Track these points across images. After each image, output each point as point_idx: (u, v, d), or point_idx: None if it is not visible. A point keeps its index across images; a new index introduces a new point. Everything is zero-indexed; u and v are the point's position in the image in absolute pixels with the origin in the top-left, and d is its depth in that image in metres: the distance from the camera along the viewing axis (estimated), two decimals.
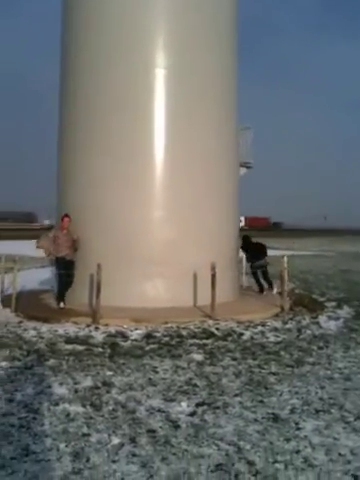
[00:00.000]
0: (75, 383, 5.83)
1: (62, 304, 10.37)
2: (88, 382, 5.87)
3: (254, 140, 14.47)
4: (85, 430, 4.57)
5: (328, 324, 9.60)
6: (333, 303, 11.98)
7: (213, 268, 9.74)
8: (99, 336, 8.17)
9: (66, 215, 10.82)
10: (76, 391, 5.56)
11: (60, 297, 10.48)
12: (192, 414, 5.00)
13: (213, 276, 9.74)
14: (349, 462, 4.01)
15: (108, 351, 7.30)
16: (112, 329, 8.60)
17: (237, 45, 12.51)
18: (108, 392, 5.57)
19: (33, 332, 8.40)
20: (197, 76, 11.10)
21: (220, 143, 11.47)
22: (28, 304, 10.65)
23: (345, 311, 11.00)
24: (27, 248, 26.88)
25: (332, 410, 5.16)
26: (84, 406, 5.13)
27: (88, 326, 8.82)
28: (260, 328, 9.05)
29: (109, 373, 6.25)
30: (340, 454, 4.15)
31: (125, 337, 8.15)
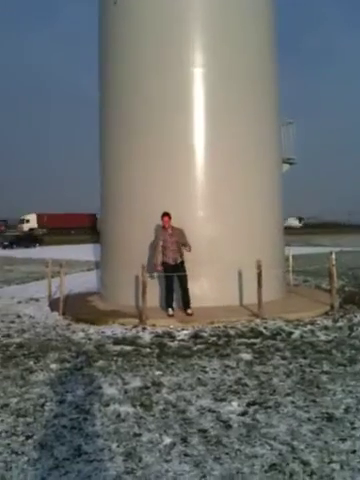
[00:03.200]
0: (124, 383, 5.85)
1: (170, 310, 9.76)
2: (137, 382, 5.88)
3: (297, 135, 14.27)
4: (136, 430, 4.56)
5: None
6: None
7: (259, 266, 9.61)
8: (146, 337, 8.19)
9: (165, 214, 9.93)
10: (126, 391, 5.58)
11: (166, 303, 9.91)
12: (243, 414, 4.92)
13: (259, 274, 9.61)
14: None
15: (156, 351, 7.30)
16: (159, 330, 8.61)
17: (276, 39, 12.35)
18: (158, 392, 5.55)
19: (81, 334, 8.50)
20: (236, 74, 11.02)
21: (262, 140, 11.34)
22: (75, 307, 10.81)
23: None
24: (71, 252, 27.26)
25: None
26: (134, 406, 5.13)
27: (135, 327, 8.87)
28: (309, 327, 8.86)
29: (158, 373, 6.24)
30: None
31: (172, 337, 8.13)
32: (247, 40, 11.28)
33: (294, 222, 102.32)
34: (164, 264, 9.86)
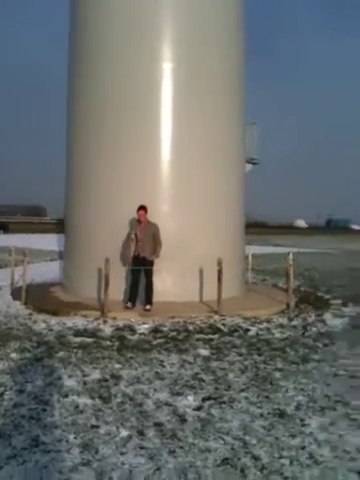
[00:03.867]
0: (84, 375, 5.92)
1: (129, 304, 9.85)
2: (97, 374, 5.96)
3: (260, 136, 14.53)
4: (94, 422, 4.65)
5: (334, 322, 9.63)
6: (339, 301, 12.00)
7: (219, 263, 9.79)
8: (107, 329, 8.26)
9: (140, 207, 9.93)
10: (85, 383, 5.65)
11: (129, 297, 9.97)
12: (199, 408, 5.07)
13: (219, 271, 9.79)
14: (354, 459, 4.06)
15: (116, 344, 7.39)
16: (120, 323, 8.69)
17: (245, 38, 12.51)
18: (116, 385, 5.65)
19: (43, 325, 8.50)
20: (204, 71, 11.13)
21: (227, 137, 11.52)
22: (38, 297, 10.76)
23: (351, 309, 11.02)
24: (37, 241, 27.01)
25: (337, 407, 5.21)
26: (93, 398, 5.22)
27: (96, 319, 8.92)
28: (266, 324, 9.11)
29: (117, 366, 6.34)
30: (345, 451, 4.20)
31: (133, 331, 8.24)
32: (217, 38, 11.39)
33: (301, 223, 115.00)
34: (133, 257, 9.96)
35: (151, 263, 9.89)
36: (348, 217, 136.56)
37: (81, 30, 11.75)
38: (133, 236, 9.97)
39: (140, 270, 9.90)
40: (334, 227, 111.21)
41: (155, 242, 9.89)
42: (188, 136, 10.97)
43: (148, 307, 9.73)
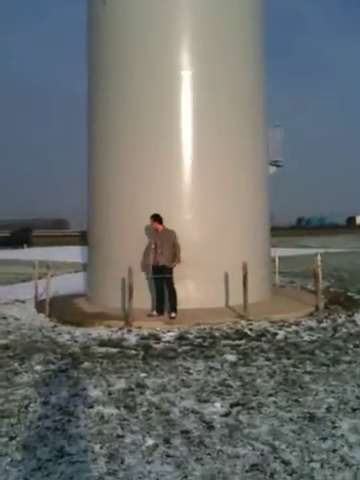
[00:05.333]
0: (109, 385, 5.86)
1: (155, 313, 9.92)
2: (122, 384, 5.90)
3: (284, 138, 14.41)
4: (119, 432, 4.58)
5: None
6: None
7: (245, 268, 9.67)
8: (132, 339, 8.21)
9: (151, 216, 9.99)
10: (110, 393, 5.59)
11: (155, 305, 10.06)
12: (226, 415, 4.96)
13: (245, 276, 9.67)
14: None
15: (141, 353, 7.32)
16: (145, 332, 8.63)
17: (264, 43, 12.42)
18: (142, 394, 5.58)
19: (67, 336, 8.49)
20: (223, 76, 11.06)
21: (249, 142, 11.42)
22: (62, 309, 10.78)
23: None
24: (60, 253, 27.23)
25: None
26: (118, 408, 5.15)
27: (121, 329, 8.88)
28: (294, 327, 8.94)
29: (142, 375, 6.26)
30: None
31: (158, 339, 8.16)
32: (235, 43, 11.32)
33: None
34: (152, 267, 9.98)
35: (170, 271, 9.81)
36: (324, 215, 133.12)
37: (98, 43, 11.81)
38: (153, 246, 9.95)
39: (162, 278, 9.85)
40: (308, 227, 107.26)
41: (174, 249, 9.84)
42: (209, 142, 10.91)
43: (173, 315, 9.66)
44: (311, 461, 3.94)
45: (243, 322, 9.25)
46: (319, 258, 10.70)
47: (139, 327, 8.93)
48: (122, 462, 4.00)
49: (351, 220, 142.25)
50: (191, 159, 10.81)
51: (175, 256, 9.84)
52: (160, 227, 9.99)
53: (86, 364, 6.75)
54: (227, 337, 8.28)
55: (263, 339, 8.16)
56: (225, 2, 11.29)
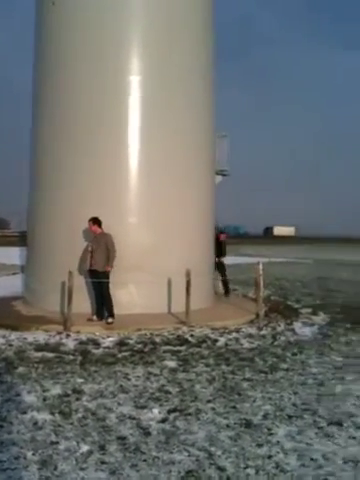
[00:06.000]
0: (44, 391, 5.69)
1: (95, 317, 9.71)
2: (57, 390, 5.74)
3: (231, 148, 14.56)
4: (53, 438, 4.45)
5: (303, 330, 9.60)
6: (308, 309, 12.01)
7: (188, 274, 9.68)
8: (70, 343, 8.00)
9: (90, 219, 9.84)
10: (45, 399, 5.43)
11: (95, 310, 9.86)
12: (163, 421, 4.91)
13: (188, 282, 9.68)
14: (321, 467, 3.97)
15: (79, 359, 7.15)
16: (84, 336, 8.45)
17: (215, 52, 12.52)
18: (78, 400, 5.44)
19: (1, 340, 8.16)
20: (173, 83, 11.06)
21: (196, 150, 11.44)
22: None
23: (320, 318, 11.02)
24: None
25: (305, 415, 5.12)
26: (53, 414, 5.00)
27: (59, 334, 8.64)
28: (235, 334, 9.00)
29: (79, 380, 6.12)
30: (312, 459, 4.10)
31: (97, 344, 8.00)
32: (186, 50, 11.32)
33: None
34: (89, 271, 9.80)
35: (105, 275, 9.64)
36: (240, 224, 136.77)
37: (46, 43, 11.56)
38: (90, 249, 9.81)
39: (99, 282, 9.67)
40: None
41: (108, 253, 9.67)
42: (156, 149, 10.86)
43: (110, 320, 9.49)
44: (246, 467, 3.94)
45: (184, 328, 9.24)
46: (261, 267, 10.84)
47: (78, 332, 8.73)
48: (55, 469, 3.88)
49: (268, 230, 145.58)
50: (138, 163, 10.73)
51: (108, 261, 9.63)
52: (98, 230, 9.82)
53: (21, 369, 6.53)
54: (168, 343, 8.24)
55: (203, 345, 8.17)
56: (176, 7, 11.31)
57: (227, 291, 13.73)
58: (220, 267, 13.77)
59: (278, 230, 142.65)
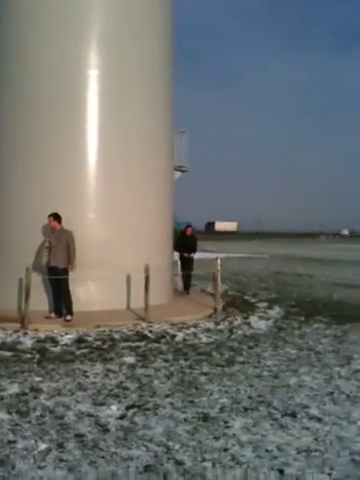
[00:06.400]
0: (1, 390, 5.64)
1: (53, 315, 9.61)
2: (15, 389, 5.69)
3: (190, 145, 14.66)
4: (11, 437, 4.43)
5: (259, 324, 9.81)
6: (264, 303, 12.27)
7: (147, 270, 9.72)
8: (28, 342, 7.93)
9: (50, 215, 9.64)
10: (2, 398, 5.38)
11: (53, 307, 9.77)
12: (122, 417, 4.95)
13: (147, 278, 9.73)
14: (275, 458, 4.09)
15: (37, 357, 7.10)
16: (42, 334, 8.37)
17: (173, 48, 12.52)
18: (36, 398, 5.42)
19: None
20: (131, 78, 11.05)
21: (154, 145, 11.47)
22: None
23: (275, 311, 11.29)
24: None
25: (260, 407, 5.26)
26: (10, 413, 4.97)
27: (16, 332, 8.54)
28: (193, 329, 9.12)
29: (37, 379, 6.09)
30: (267, 450, 4.22)
31: (55, 342, 7.96)
32: (144, 45, 11.28)
33: (345, 232, 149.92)
34: (47, 267, 9.68)
35: (65, 272, 9.56)
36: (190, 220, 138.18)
37: (4, 35, 11.27)
38: (47, 244, 9.68)
39: (58, 279, 9.57)
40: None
41: (68, 251, 9.56)
42: (115, 143, 10.83)
43: (68, 318, 9.44)
44: (203, 461, 4.02)
45: (143, 324, 9.29)
46: (219, 262, 10.99)
47: (36, 330, 8.65)
48: (13, 468, 3.87)
49: (210, 225, 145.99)
50: (96, 159, 10.68)
51: (69, 258, 9.54)
52: (57, 226, 9.68)
53: None
54: (127, 339, 8.28)
55: (162, 341, 8.25)
56: (136, 2, 11.26)
57: (188, 287, 13.66)
58: (188, 263, 13.67)
59: (220, 225, 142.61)
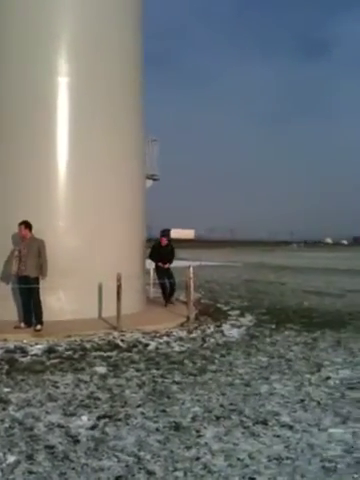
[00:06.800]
0: None
1: (23, 325, 9.44)
2: None
3: (161, 153, 14.67)
4: None
5: (231, 332, 9.84)
6: (237, 311, 12.32)
7: (119, 279, 9.67)
8: None
9: (20, 223, 9.49)
10: None
11: (23, 317, 9.60)
12: (93, 427, 4.89)
13: (119, 287, 9.67)
14: (247, 466, 4.08)
15: (6, 367, 6.97)
16: (11, 344, 8.22)
17: (142, 55, 12.53)
18: (4, 409, 5.32)
19: None
20: (102, 84, 11.03)
21: (126, 153, 11.47)
22: None
23: (247, 319, 11.34)
24: None
25: (232, 416, 5.25)
26: None
27: None
28: (165, 338, 9.09)
29: (6, 390, 5.98)
30: (239, 459, 4.22)
31: (25, 352, 7.83)
32: (115, 53, 11.31)
33: (329, 240, 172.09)
34: (17, 276, 9.54)
35: (36, 281, 9.42)
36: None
37: None
38: (17, 253, 9.54)
39: (28, 289, 9.42)
40: None
41: (40, 260, 9.44)
42: (84, 151, 10.80)
43: (38, 327, 9.28)
44: (175, 470, 3.99)
45: (115, 333, 9.22)
46: (191, 270, 11.01)
47: (5, 340, 8.49)
48: None
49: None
50: (66, 166, 10.61)
51: (41, 267, 9.44)
52: (28, 235, 9.53)
53: None
54: (98, 349, 8.20)
55: (134, 350, 8.20)
56: (106, 10, 11.26)
57: (167, 299, 13.00)
58: (163, 274, 13.07)
59: (175, 233, 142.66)
